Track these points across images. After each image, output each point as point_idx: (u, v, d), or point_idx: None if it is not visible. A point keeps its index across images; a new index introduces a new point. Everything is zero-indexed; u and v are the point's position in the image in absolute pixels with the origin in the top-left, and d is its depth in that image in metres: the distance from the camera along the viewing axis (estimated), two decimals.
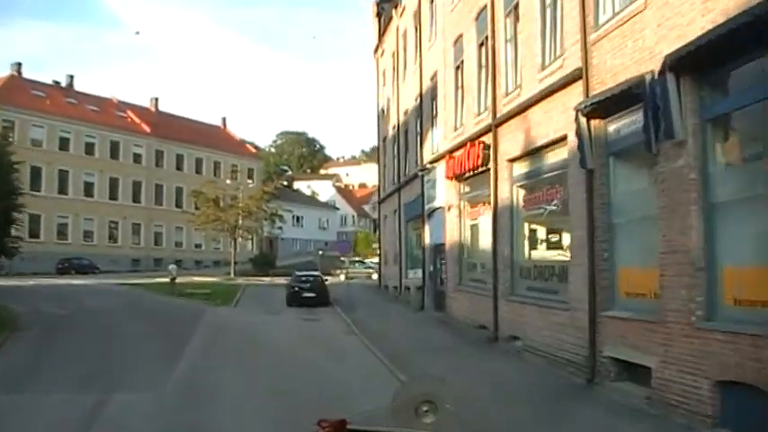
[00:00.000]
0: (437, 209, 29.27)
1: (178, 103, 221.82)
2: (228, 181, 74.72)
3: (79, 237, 74.37)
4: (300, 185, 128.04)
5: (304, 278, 38.72)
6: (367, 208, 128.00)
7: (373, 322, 28.12)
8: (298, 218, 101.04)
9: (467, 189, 25.96)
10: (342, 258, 72.40)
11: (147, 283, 48.38)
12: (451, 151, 26.16)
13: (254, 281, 60.63)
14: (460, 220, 26.34)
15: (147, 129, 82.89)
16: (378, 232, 46.91)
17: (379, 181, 48.19)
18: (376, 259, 72.83)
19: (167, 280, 43.93)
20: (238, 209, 66.21)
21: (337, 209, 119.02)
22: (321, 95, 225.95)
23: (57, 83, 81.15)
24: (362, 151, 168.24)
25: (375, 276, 64.52)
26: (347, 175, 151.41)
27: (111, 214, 77.10)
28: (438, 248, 29.70)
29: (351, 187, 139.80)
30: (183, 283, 49.48)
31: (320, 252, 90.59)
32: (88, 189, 75.80)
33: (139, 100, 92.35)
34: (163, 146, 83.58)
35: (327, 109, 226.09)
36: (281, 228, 75.72)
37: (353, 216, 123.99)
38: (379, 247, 48.53)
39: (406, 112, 37.55)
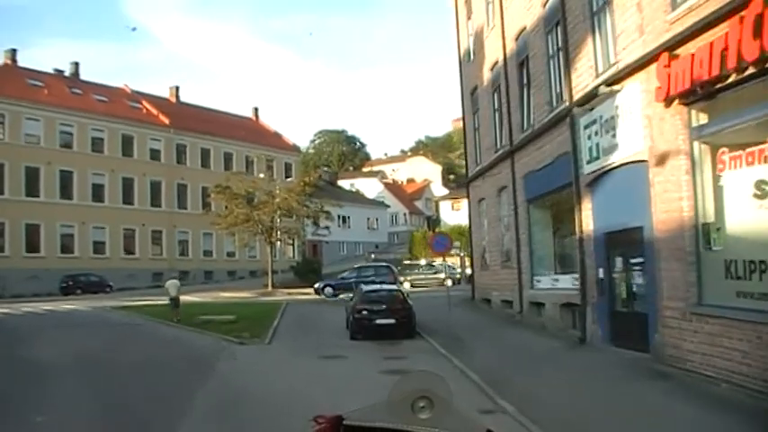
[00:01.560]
0: (620, 166, 16.54)
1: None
2: (261, 174, 62.10)
3: (87, 249, 62.60)
4: (343, 184, 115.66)
5: (376, 295, 25.80)
6: (419, 204, 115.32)
7: (520, 378, 15.38)
8: (344, 218, 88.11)
9: (710, 118, 13.14)
10: (405, 261, 59.94)
11: (154, 304, 36.09)
12: (671, 47, 13.34)
13: (297, 294, 48.37)
14: (696, 178, 13.43)
15: (166, 120, 71.00)
16: (470, 224, 33.96)
17: (466, 153, 35.22)
18: (450, 261, 60.37)
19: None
20: (275, 206, 53.67)
21: (387, 206, 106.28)
22: (356, 98, 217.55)
23: (59, 71, 69.57)
24: (401, 150, 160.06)
25: (449, 283, 51.88)
26: (393, 170, 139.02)
27: (126, 221, 65.19)
28: (618, 237, 16.99)
29: (401, 183, 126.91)
30: (204, 303, 37.64)
31: (372, 255, 78.20)
32: (97, 192, 64.03)
33: (158, 92, 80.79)
34: (185, 139, 71.60)
35: (363, 110, 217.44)
36: (327, 228, 63.08)
37: (405, 214, 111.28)
38: (470, 245, 35.22)
39: (521, 34, 24.63)
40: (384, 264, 49.43)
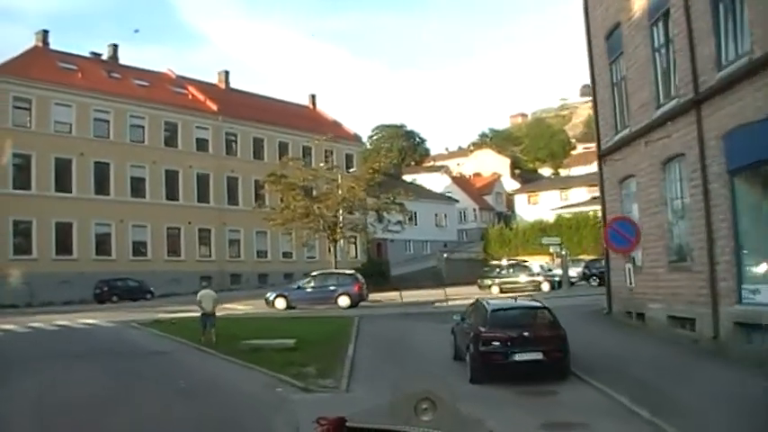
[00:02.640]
0: None
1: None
2: (322, 164, 53.99)
3: (126, 250, 55.42)
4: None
5: (511, 315, 16.99)
6: (489, 199, 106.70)
7: None
8: (410, 214, 79.86)
9: None
10: (493, 262, 51.67)
11: (195, 317, 28.27)
12: None
13: (366, 304, 40.47)
14: None
15: (214, 106, 63.63)
16: (603, 212, 25.39)
17: (597, 119, 26.44)
18: (542, 260, 51.94)
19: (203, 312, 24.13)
20: (339, 197, 45.60)
21: (456, 201, 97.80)
22: (410, 94, 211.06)
23: (96, 54, 62.56)
24: (459, 147, 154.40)
25: (545, 287, 43.70)
26: (458, 165, 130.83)
27: (170, 219, 57.95)
28: None
29: (468, 177, 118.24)
30: (255, 317, 30.00)
31: (445, 255, 69.98)
32: (137, 186, 56.84)
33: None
34: (235, 127, 64.12)
35: (418, 106, 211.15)
36: (400, 222, 54.80)
37: (475, 209, 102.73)
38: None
39: None
40: (349, 272, 41.02)
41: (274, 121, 67.57)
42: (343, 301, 37.52)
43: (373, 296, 45.99)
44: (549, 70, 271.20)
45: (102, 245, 54.22)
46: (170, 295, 52.57)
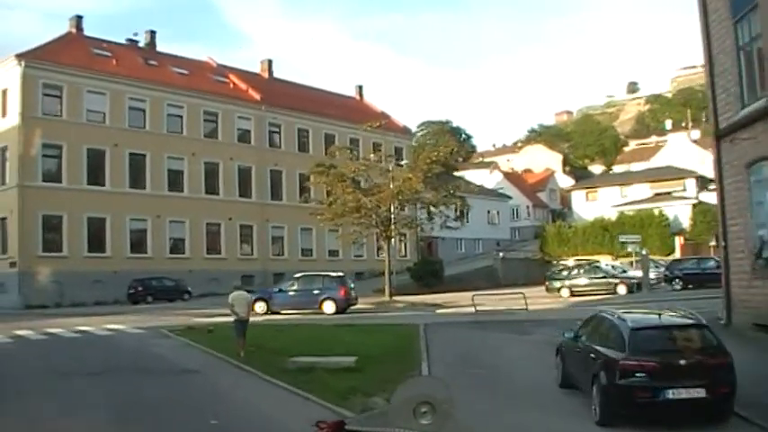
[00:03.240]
0: None
1: None
2: (372, 155, 49.72)
3: (162, 247, 51.97)
4: None
5: (660, 336, 12.14)
6: (542, 196, 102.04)
7: None
8: (461, 210, 75.33)
9: None
10: (560, 262, 47.25)
11: (222, 322, 24.49)
12: None
13: (422, 306, 36.58)
14: None
15: (257, 96, 59.98)
16: (721, 204, 20.68)
17: (714, 93, 21.69)
18: (615, 261, 47.54)
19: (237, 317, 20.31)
20: (394, 190, 41.39)
21: (509, 197, 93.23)
22: (452, 91, 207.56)
23: (133, 42, 59.20)
24: (504, 144, 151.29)
25: (622, 290, 39.38)
26: (508, 161, 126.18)
27: (209, 214, 54.39)
28: None
29: (521, 173, 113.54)
30: (302, 324, 26.21)
31: (500, 254, 65.68)
32: (174, 180, 53.33)
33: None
34: (279, 118, 60.40)
35: (462, 103, 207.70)
36: (458, 218, 50.56)
37: (528, 207, 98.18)
38: (722, 235, 21.76)
39: None
40: (334, 274, 36.75)
41: (320, 112, 63.83)
42: (329, 307, 33.97)
43: (425, 299, 42.12)
44: (592, 67, 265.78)
45: (138, 242, 50.76)
46: (209, 295, 49.27)
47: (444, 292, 48.27)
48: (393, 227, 42.08)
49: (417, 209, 43.98)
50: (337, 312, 33.49)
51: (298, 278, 36.58)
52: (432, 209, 44.12)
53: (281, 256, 59.31)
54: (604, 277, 41.39)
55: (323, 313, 33.44)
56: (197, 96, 54.94)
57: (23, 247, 45.17)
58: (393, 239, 44.47)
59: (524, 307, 26.66)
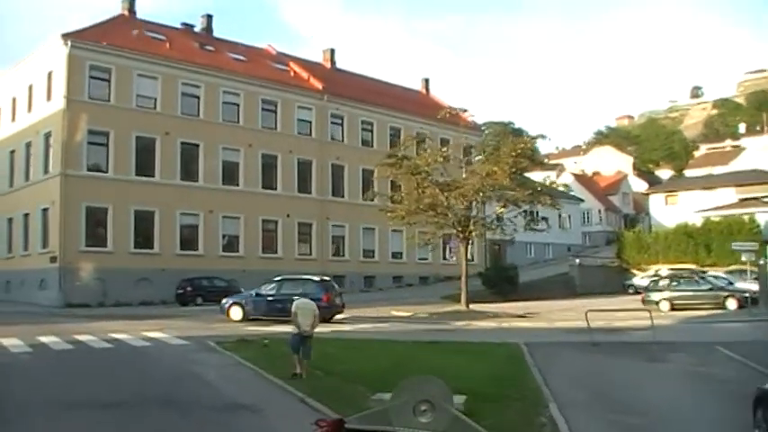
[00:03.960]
0: None
1: None
2: (445, 149, 44.84)
3: (215, 245, 48.10)
4: None
5: None
6: (615, 199, 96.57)
7: None
8: (530, 212, 70.35)
9: None
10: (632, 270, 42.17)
11: (279, 333, 20.22)
12: None
13: (506, 317, 32.10)
14: None
15: (319, 85, 55.91)
16: None
17: None
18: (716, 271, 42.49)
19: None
20: (476, 185, 36.45)
21: (581, 200, 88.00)
22: (511, 92, 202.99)
23: (188, 26, 55.62)
24: (562, 148, 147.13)
25: (731, 305, 34.46)
26: (575, 162, 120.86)
27: (266, 210, 50.42)
28: None
29: (592, 176, 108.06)
30: (373, 340, 21.85)
31: (577, 261, 60.64)
32: (229, 172, 49.42)
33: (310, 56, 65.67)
34: (341, 108, 56.23)
35: (523, 105, 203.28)
36: (546, 219, 45.75)
37: (600, 210, 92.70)
38: None
39: None
40: (317, 278, 32.56)
41: (385, 104, 59.58)
42: None
43: (502, 307, 37.62)
44: (654, 72, 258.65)
45: (188, 238, 46.88)
46: None
47: (520, 300, 43.87)
48: (472, 227, 37.24)
49: (500, 207, 38.94)
50: (321, 322, 29.31)
51: (278, 281, 32.47)
52: (519, 207, 39.23)
53: (341, 258, 55.08)
54: (711, 289, 36.33)
55: None
56: (255, 83, 51.04)
57: (65, 240, 41.59)
58: (472, 241, 39.47)
59: (647, 326, 21.69)
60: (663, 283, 38.62)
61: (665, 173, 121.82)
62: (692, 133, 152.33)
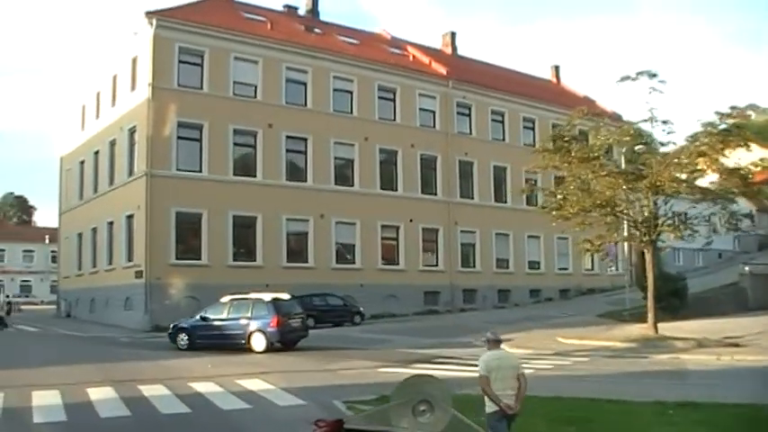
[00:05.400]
0: None
1: None
2: (626, 127, 35.52)
3: (327, 256, 40.87)
4: None
5: None
6: None
7: None
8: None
9: None
10: None
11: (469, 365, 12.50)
12: None
13: (729, 350, 23.75)
14: None
15: (442, 70, 48.31)
16: None
17: None
18: None
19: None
20: (671, 171, 27.47)
21: (732, 201, 77.43)
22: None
23: (292, 8, 48.90)
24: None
25: None
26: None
27: (383, 214, 43.08)
28: None
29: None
30: (597, 403, 13.48)
31: (746, 268, 51.04)
32: (341, 170, 42.39)
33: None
34: (468, 97, 48.37)
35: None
36: (750, 216, 36.85)
37: (751, 211, 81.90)
38: None
39: None
40: (267, 298, 26.79)
41: (516, 92, 51.58)
42: (258, 342, 25.35)
43: (679, 327, 29.13)
44: None
45: (296, 248, 39.90)
46: (382, 317, 38.46)
47: (692, 317, 35.19)
48: (663, 227, 28.62)
49: (695, 201, 30.12)
50: (268, 350, 24.95)
51: (225, 303, 27.49)
52: (717, 202, 30.53)
53: (472, 269, 47.13)
54: None
55: (252, 351, 24.98)
56: (370, 67, 43.85)
57: (152, 252, 35.05)
58: (655, 245, 30.65)
59: None
60: None
61: None
62: None
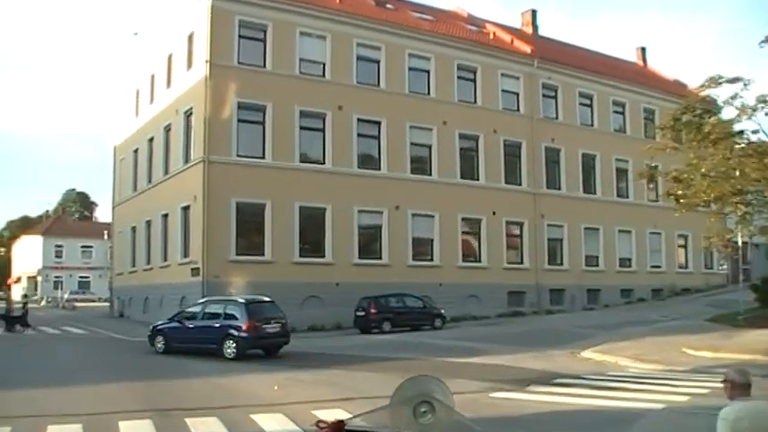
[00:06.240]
0: None
1: None
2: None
3: (403, 252, 36.92)
4: None
5: None
6: None
7: None
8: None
9: None
10: None
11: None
12: None
13: None
14: None
15: (526, 48, 44.03)
16: None
17: None
18: None
19: None
20: None
21: None
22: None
23: None
24: None
25: None
26: None
27: (464, 206, 39.05)
28: None
29: None
30: None
31: None
32: (418, 158, 38.56)
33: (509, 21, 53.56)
34: (554, 78, 43.99)
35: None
36: None
37: None
38: None
39: None
40: (242, 300, 24.46)
41: (605, 73, 47.05)
42: (229, 348, 22.80)
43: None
44: None
45: (368, 243, 36.27)
46: (462, 320, 34.87)
47: None
48: None
49: None
50: (238, 357, 22.35)
51: (201, 303, 26.00)
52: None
53: (559, 266, 42.79)
54: None
55: (225, 357, 22.51)
56: (449, 44, 39.84)
57: (210, 247, 31.57)
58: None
59: None
60: None
61: None
62: None
